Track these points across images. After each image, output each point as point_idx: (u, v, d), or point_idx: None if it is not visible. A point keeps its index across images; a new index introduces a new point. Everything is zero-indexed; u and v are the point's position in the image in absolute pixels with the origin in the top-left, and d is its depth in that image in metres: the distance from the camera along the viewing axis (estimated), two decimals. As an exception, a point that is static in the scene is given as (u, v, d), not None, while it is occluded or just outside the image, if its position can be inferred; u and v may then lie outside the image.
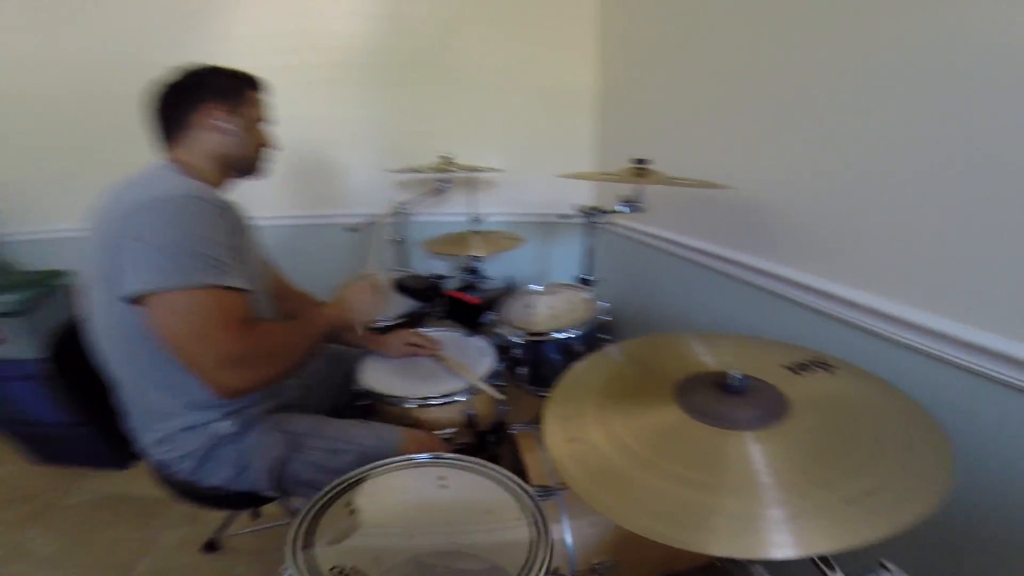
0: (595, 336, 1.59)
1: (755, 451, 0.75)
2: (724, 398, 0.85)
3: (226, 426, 1.17)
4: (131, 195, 1.02)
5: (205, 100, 1.19)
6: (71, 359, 1.25)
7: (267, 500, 1.29)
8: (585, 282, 1.82)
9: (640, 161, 1.45)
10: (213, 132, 1.20)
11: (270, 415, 1.25)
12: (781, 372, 0.93)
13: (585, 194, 2.56)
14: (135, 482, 2.24)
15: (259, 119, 1.29)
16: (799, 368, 0.95)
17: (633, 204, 1.52)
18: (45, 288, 2.26)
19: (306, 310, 1.29)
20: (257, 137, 1.29)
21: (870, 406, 0.85)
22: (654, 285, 2.22)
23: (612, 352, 1.11)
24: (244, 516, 1.91)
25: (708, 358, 1.03)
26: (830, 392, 0.89)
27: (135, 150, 2.49)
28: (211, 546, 1.83)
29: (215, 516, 1.91)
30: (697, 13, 1.71)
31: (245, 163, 1.29)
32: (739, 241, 1.60)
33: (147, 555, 1.85)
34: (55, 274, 2.37)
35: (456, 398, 1.35)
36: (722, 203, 1.63)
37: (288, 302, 1.52)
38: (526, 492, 0.96)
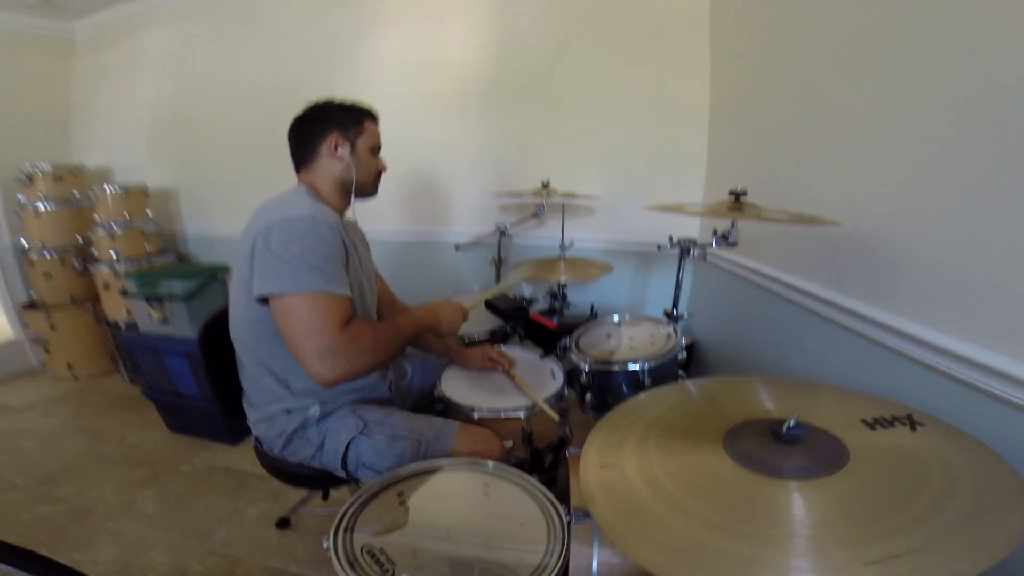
0: (669, 370, 1.55)
1: (795, 502, 0.70)
2: (774, 445, 0.80)
3: (314, 411, 1.35)
4: (268, 213, 1.23)
5: (329, 132, 1.39)
6: (214, 342, 1.48)
7: (338, 482, 1.45)
8: (670, 316, 1.77)
9: (737, 195, 1.39)
10: (336, 160, 1.40)
11: (352, 403, 1.41)
12: (855, 425, 0.85)
13: (689, 223, 2.50)
14: (240, 457, 2.54)
15: (374, 147, 1.47)
16: (878, 422, 0.86)
17: (726, 238, 1.47)
18: (207, 279, 2.66)
19: (401, 316, 1.42)
20: (372, 164, 1.47)
21: (944, 465, 0.74)
22: (750, 322, 2.09)
23: (680, 388, 1.09)
24: (317, 500, 2.08)
25: (773, 404, 0.96)
26: (900, 447, 0.80)
27: (289, 163, 2.86)
28: (283, 522, 2.04)
29: (295, 496, 2.13)
30: (810, 37, 1.63)
31: (362, 187, 1.46)
32: (843, 283, 1.47)
33: (228, 523, 2.09)
34: (218, 268, 2.79)
35: (516, 414, 1.40)
36: (829, 239, 1.51)
37: (391, 312, 1.73)
38: (556, 512, 0.98)
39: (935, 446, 0.80)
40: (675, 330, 1.67)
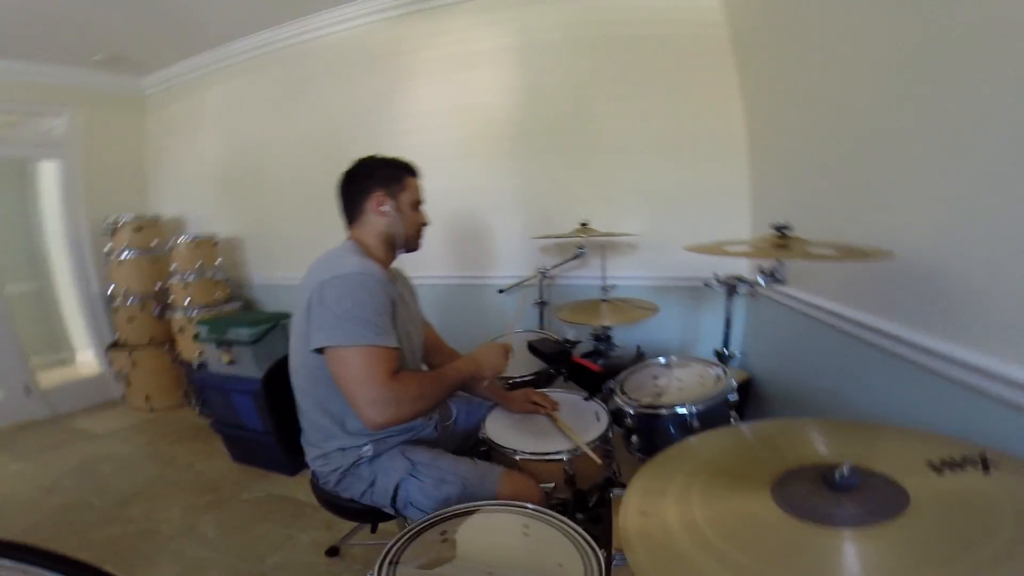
0: (720, 413, 1.50)
1: (846, 551, 0.67)
2: (826, 492, 0.76)
3: (367, 450, 1.43)
4: (321, 271, 1.33)
5: (373, 189, 1.48)
6: (276, 385, 1.60)
7: (387, 517, 1.49)
8: (721, 357, 1.72)
9: (781, 229, 1.34)
10: (380, 216, 1.49)
11: (402, 444, 1.47)
12: (919, 468, 0.81)
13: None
14: (296, 488, 2.65)
15: (416, 202, 1.54)
16: (945, 465, 0.80)
17: (773, 275, 1.44)
18: (271, 326, 2.88)
19: (445, 366, 1.48)
20: (415, 218, 1.54)
21: (1019, 510, 0.69)
22: (809, 356, 2.00)
23: (731, 432, 1.07)
24: (366, 532, 2.10)
25: (828, 449, 0.92)
26: (969, 491, 0.75)
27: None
28: (333, 551, 2.12)
29: (346, 526, 2.18)
30: (845, 58, 1.59)
31: (406, 241, 1.53)
32: (904, 314, 1.40)
33: (282, 549, 2.17)
34: (280, 316, 3.01)
35: (558, 456, 1.40)
36: (887, 269, 1.42)
37: (438, 356, 1.80)
38: (595, 553, 0.98)
39: (1010, 489, 0.74)
40: (725, 372, 1.62)
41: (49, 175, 4.29)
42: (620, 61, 2.66)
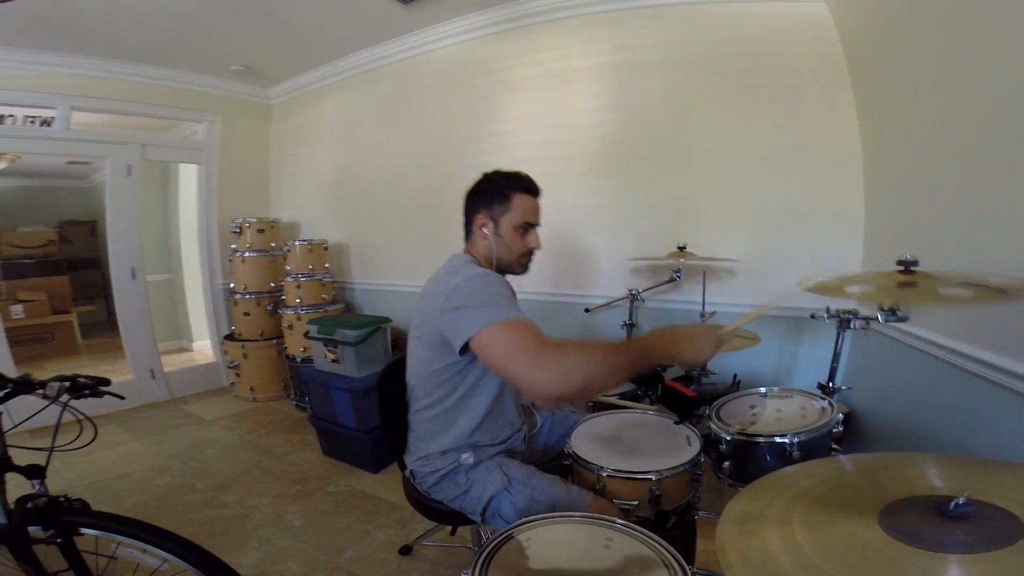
0: (822, 444, 1.43)
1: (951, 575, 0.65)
2: (937, 521, 0.74)
3: (467, 457, 1.45)
4: (447, 279, 1.36)
5: (479, 210, 1.50)
6: (388, 385, 1.67)
7: (468, 522, 1.52)
8: (825, 389, 1.63)
9: (907, 264, 1.22)
10: (482, 238, 1.51)
11: (499, 456, 1.50)
12: None
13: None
14: (377, 485, 2.76)
15: (521, 225, 1.48)
16: None
17: (894, 312, 1.33)
18: (373, 329, 3.07)
19: (629, 340, 1.43)
20: (517, 243, 1.49)
21: None
22: (922, 394, 1.86)
23: (833, 463, 1.03)
24: (440, 533, 2.16)
25: (943, 482, 0.87)
26: None
27: (439, 221, 3.22)
28: (406, 549, 2.19)
29: (421, 526, 2.26)
30: (967, 77, 1.49)
31: (505, 266, 1.52)
32: None
33: (358, 544, 2.26)
34: (381, 320, 3.19)
35: (646, 476, 1.38)
36: (1020, 306, 1.32)
37: None
38: (680, 565, 0.95)
39: None
40: (831, 404, 1.54)
41: (188, 177, 4.88)
42: (722, 79, 2.61)
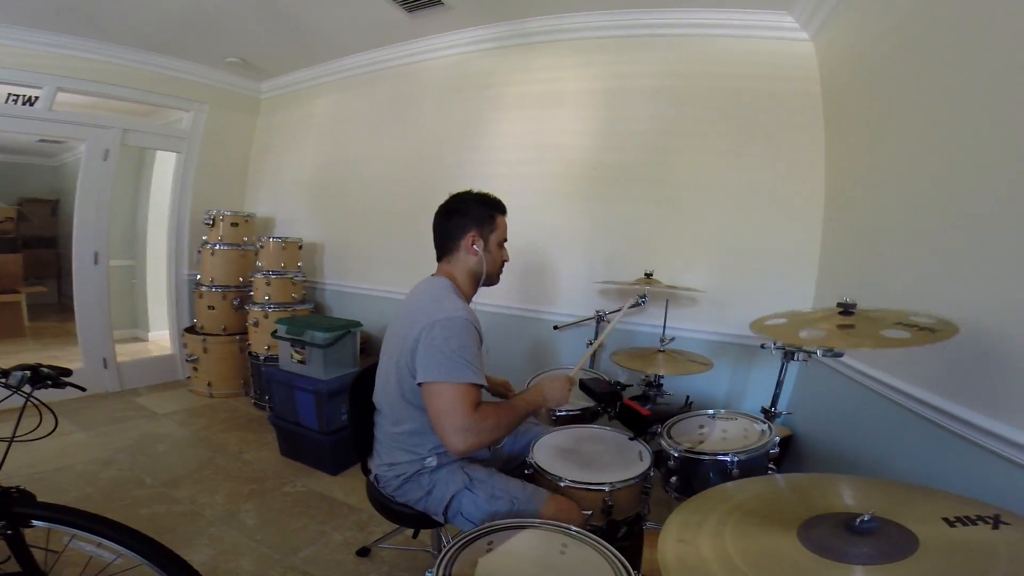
0: (759, 463, 1.56)
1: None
2: (846, 535, 0.84)
3: (430, 462, 1.54)
4: (430, 311, 1.46)
5: (469, 229, 1.60)
6: (359, 391, 1.74)
7: (431, 524, 1.60)
8: (767, 413, 1.78)
9: (845, 307, 1.39)
10: (471, 255, 1.61)
11: (461, 460, 1.58)
12: (934, 521, 0.88)
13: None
14: (335, 487, 2.77)
15: (502, 241, 1.67)
16: (959, 520, 0.88)
17: (832, 351, 1.49)
18: (343, 333, 3.09)
19: (514, 396, 1.61)
20: (499, 256, 1.67)
21: (1013, 558, 0.76)
22: (854, 421, 2.04)
23: (767, 480, 1.14)
24: (398, 537, 2.21)
25: (855, 500, 0.99)
26: (973, 541, 0.82)
27: (419, 229, 3.25)
28: (363, 551, 2.21)
29: (379, 529, 2.31)
30: (936, 135, 1.65)
31: (489, 278, 1.66)
32: (956, 390, 1.44)
33: (314, 544, 2.27)
34: (352, 323, 3.21)
35: (600, 487, 1.48)
36: (946, 345, 1.47)
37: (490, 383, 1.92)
38: (629, 574, 1.03)
39: (1011, 542, 0.80)
40: (770, 428, 1.68)
41: (164, 163, 4.80)
42: (707, 113, 2.75)
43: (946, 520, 0.88)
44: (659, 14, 2.82)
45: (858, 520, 0.84)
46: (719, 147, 2.74)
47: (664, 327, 2.55)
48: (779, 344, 1.70)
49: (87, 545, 1.26)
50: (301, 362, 3.05)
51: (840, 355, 1.48)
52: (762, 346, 1.74)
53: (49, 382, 1.35)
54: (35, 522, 1.25)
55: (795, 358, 1.69)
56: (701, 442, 1.70)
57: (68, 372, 1.40)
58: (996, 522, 0.86)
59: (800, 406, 2.44)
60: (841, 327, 1.35)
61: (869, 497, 1.01)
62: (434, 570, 1.06)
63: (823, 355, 1.50)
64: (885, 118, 1.99)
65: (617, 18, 2.92)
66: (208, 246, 3.97)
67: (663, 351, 2.38)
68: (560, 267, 3.17)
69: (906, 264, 1.78)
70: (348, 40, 3.67)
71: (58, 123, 3.63)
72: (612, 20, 2.94)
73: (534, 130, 3.22)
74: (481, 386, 1.42)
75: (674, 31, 2.83)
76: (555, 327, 2.89)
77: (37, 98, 3.48)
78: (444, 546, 1.15)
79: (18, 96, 3.44)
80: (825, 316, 1.43)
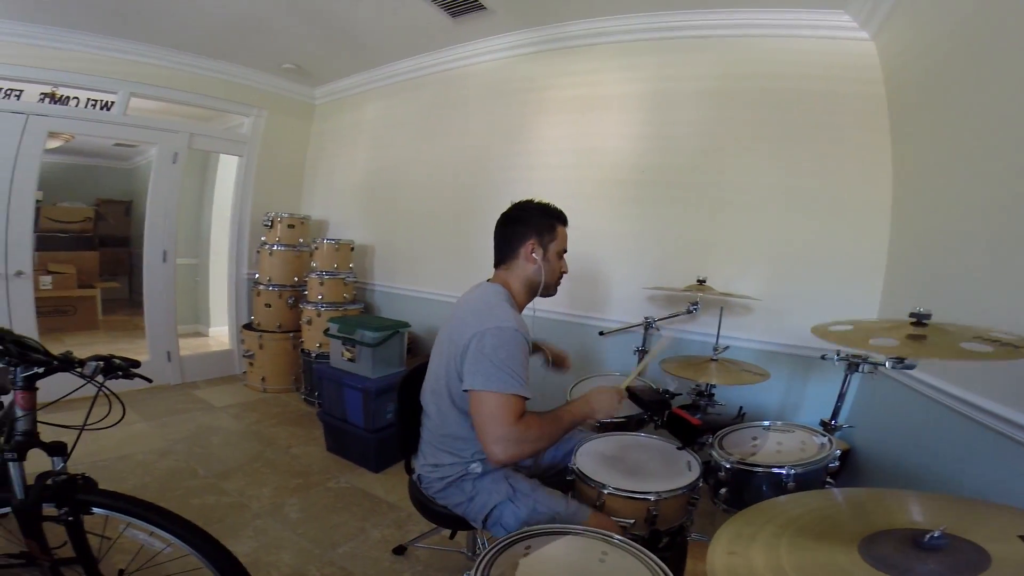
0: (816, 477, 1.48)
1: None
2: (911, 552, 0.79)
3: (475, 467, 1.54)
4: (483, 318, 1.46)
5: (529, 237, 1.60)
6: (408, 389, 1.77)
7: (468, 527, 1.59)
8: (827, 426, 1.69)
9: (919, 318, 1.29)
10: (530, 264, 1.61)
11: (506, 469, 1.57)
12: (1008, 539, 0.81)
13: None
14: (377, 484, 2.81)
15: (562, 251, 1.66)
16: None
17: (902, 360, 1.39)
18: (392, 333, 3.15)
19: (562, 408, 1.55)
20: (558, 267, 1.66)
21: None
22: (920, 436, 1.92)
23: (825, 494, 1.07)
24: (437, 536, 2.21)
25: (923, 516, 0.93)
26: None
27: (466, 232, 3.26)
28: (400, 549, 2.24)
29: (416, 528, 2.33)
30: (1007, 139, 1.54)
31: (546, 288, 1.65)
32: None
33: (353, 540, 2.30)
34: (400, 324, 3.27)
35: (645, 496, 1.43)
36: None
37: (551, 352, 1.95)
38: None
39: None
40: (830, 441, 1.59)
41: (226, 167, 5.04)
42: (758, 115, 2.66)
43: (1022, 538, 0.81)
44: (704, 15, 2.75)
45: (927, 536, 0.78)
46: (773, 150, 2.63)
47: (717, 335, 2.46)
48: (843, 355, 1.62)
49: (140, 534, 1.31)
50: (351, 360, 3.12)
51: (912, 367, 1.37)
52: (823, 357, 1.67)
53: (120, 373, 1.39)
54: (95, 509, 1.29)
55: (860, 370, 1.61)
56: (753, 454, 1.63)
57: (137, 364, 1.45)
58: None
59: (860, 419, 2.30)
60: (912, 338, 1.26)
61: (937, 513, 0.94)
62: (473, 571, 1.05)
63: (893, 367, 1.40)
64: (953, 118, 1.87)
65: (660, 20, 2.87)
66: (266, 246, 4.13)
67: (716, 360, 2.29)
68: (607, 273, 3.12)
69: (978, 274, 1.66)
70: (395, 46, 3.76)
71: (132, 127, 3.86)
72: (654, 22, 2.89)
73: (577, 134, 3.19)
74: (526, 398, 1.41)
75: (721, 32, 2.75)
76: (601, 333, 2.83)
77: (113, 103, 3.71)
78: (480, 549, 1.14)
79: (96, 101, 3.67)
80: (895, 327, 1.34)
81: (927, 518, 0.92)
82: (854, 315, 1.78)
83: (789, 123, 2.60)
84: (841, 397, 1.68)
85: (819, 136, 2.53)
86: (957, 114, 1.86)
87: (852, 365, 1.63)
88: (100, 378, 1.35)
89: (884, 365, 1.44)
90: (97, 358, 1.37)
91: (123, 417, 1.38)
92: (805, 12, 2.53)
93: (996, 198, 1.61)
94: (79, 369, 1.33)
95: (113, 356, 1.40)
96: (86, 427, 1.31)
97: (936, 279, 1.97)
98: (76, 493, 1.28)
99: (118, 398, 1.37)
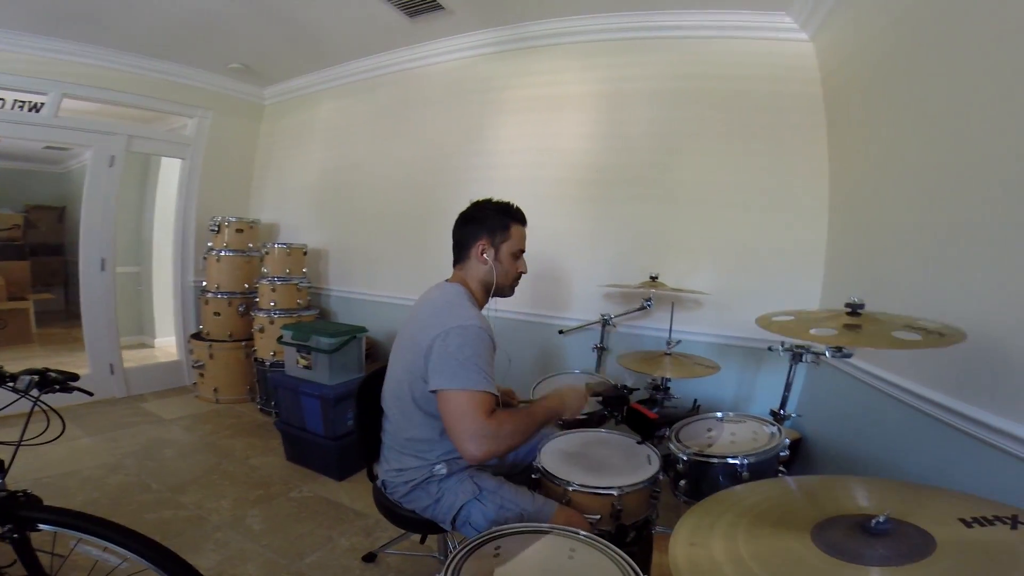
0: (769, 466, 1.55)
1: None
2: (860, 537, 0.83)
3: (440, 469, 1.53)
4: (444, 318, 1.45)
5: (480, 237, 1.59)
6: (367, 395, 1.73)
7: (438, 531, 1.59)
8: (776, 416, 1.77)
9: (854, 308, 1.39)
10: (481, 263, 1.60)
11: (470, 467, 1.57)
12: (950, 522, 0.87)
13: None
14: (342, 492, 2.76)
15: (517, 252, 1.64)
16: (976, 521, 0.86)
17: (840, 349, 1.48)
18: (348, 338, 3.10)
19: (531, 402, 1.57)
20: (512, 268, 1.64)
21: None
22: (864, 423, 2.03)
23: (779, 483, 1.12)
24: (405, 542, 2.20)
25: (869, 502, 0.98)
26: (992, 542, 0.80)
27: (424, 234, 3.20)
28: (370, 557, 2.21)
29: (385, 535, 2.30)
30: (939, 134, 1.64)
31: (499, 290, 1.64)
32: (968, 390, 1.43)
33: (320, 550, 2.26)
34: (356, 329, 3.22)
35: (609, 491, 1.47)
36: (956, 347, 1.47)
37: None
38: None
39: None
40: (779, 430, 1.67)
41: (168, 170, 4.82)
42: (708, 114, 2.75)
43: (963, 521, 0.87)
44: (657, 16, 2.83)
45: (873, 521, 0.83)
46: (721, 149, 2.74)
47: (670, 330, 2.53)
48: (787, 346, 1.71)
49: (93, 549, 1.26)
50: (307, 367, 3.06)
51: (849, 355, 1.47)
52: (769, 348, 1.75)
53: (57, 386, 1.35)
54: (41, 526, 1.25)
55: (803, 360, 1.69)
56: (710, 445, 1.69)
57: (75, 377, 1.40)
58: (1014, 522, 0.85)
59: (809, 408, 2.43)
60: (848, 327, 1.35)
61: (883, 498, 0.99)
62: (442, 574, 1.05)
63: (832, 356, 1.50)
64: (887, 116, 1.99)
65: (615, 21, 2.93)
66: (213, 252, 3.98)
67: (669, 354, 2.37)
68: (565, 271, 3.16)
69: (911, 264, 1.78)
70: (350, 45, 3.69)
71: (64, 129, 3.65)
72: (610, 23, 2.95)
73: (536, 134, 3.22)
74: (495, 395, 1.41)
75: (672, 33, 2.84)
76: (560, 331, 2.88)
77: (43, 104, 3.50)
78: (451, 552, 1.15)
79: (24, 103, 3.46)
80: (832, 316, 1.43)
81: (872, 503, 0.97)
82: (798, 306, 1.87)
83: (735, 122, 2.70)
84: (788, 387, 1.77)
85: (763, 135, 2.64)
86: (888, 113, 1.98)
87: (796, 356, 1.70)
88: (35, 392, 1.31)
89: (824, 355, 1.54)
90: (31, 371, 1.32)
91: (63, 432, 1.33)
92: (750, 14, 2.64)
93: (925, 193, 1.72)
94: (11, 384, 1.29)
95: (48, 369, 1.36)
96: (23, 443, 1.27)
97: (870, 271, 2.09)
98: (19, 510, 1.24)
99: (56, 412, 1.34)
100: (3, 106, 3.37)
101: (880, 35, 1.99)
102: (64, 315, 5.85)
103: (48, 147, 5.02)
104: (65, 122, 3.61)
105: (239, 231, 4.03)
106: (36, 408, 1.32)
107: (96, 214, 3.83)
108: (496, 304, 1.67)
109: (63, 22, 3.19)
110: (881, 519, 0.83)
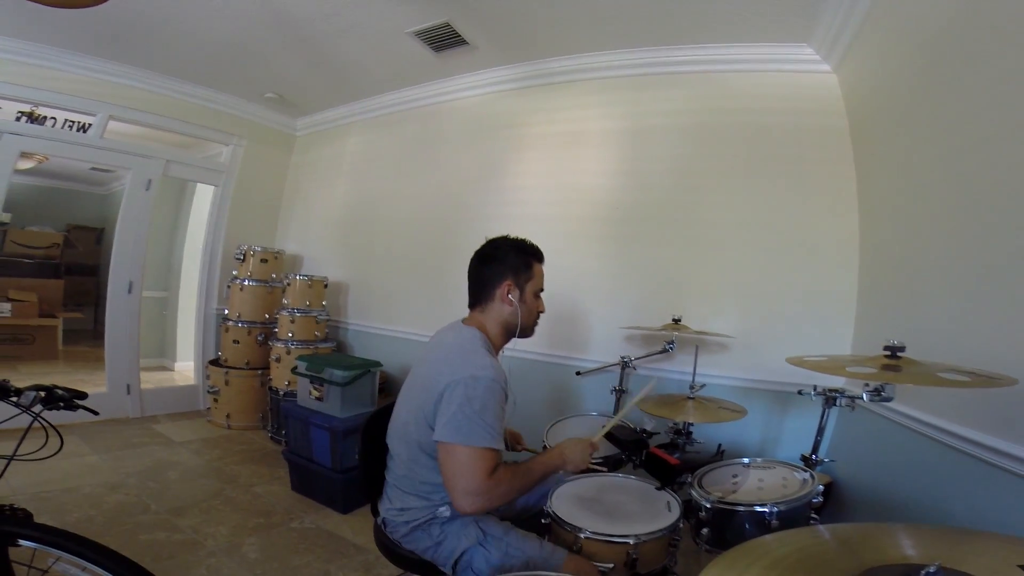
0: (801, 514, 1.45)
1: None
2: None
3: (443, 511, 1.46)
4: (457, 366, 1.40)
5: (505, 278, 1.53)
6: (372, 430, 1.67)
7: (439, 574, 1.48)
8: (808, 461, 1.67)
9: (893, 351, 1.32)
10: (507, 306, 1.53)
11: None
12: (1009, 570, 0.78)
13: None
14: (345, 526, 2.67)
15: (539, 290, 1.59)
16: None
17: (879, 392, 1.39)
18: (362, 372, 3.07)
19: (533, 459, 1.49)
20: (535, 307, 1.59)
21: None
22: (903, 466, 1.90)
23: (811, 532, 1.05)
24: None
25: (916, 551, 0.89)
26: None
27: (443, 271, 3.17)
28: None
29: (386, 572, 2.19)
30: (971, 172, 1.57)
31: (523, 330, 1.57)
32: (1017, 431, 1.33)
33: (317, 584, 2.14)
34: (371, 363, 3.19)
35: (624, 540, 1.38)
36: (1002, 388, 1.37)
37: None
38: None
39: None
40: (812, 476, 1.57)
41: (201, 197, 4.96)
42: (730, 150, 2.71)
43: (1022, 567, 0.78)
44: (677, 51, 2.84)
45: (923, 572, 0.74)
46: (744, 186, 2.69)
47: (694, 373, 2.44)
48: (819, 389, 1.61)
49: (72, 568, 1.23)
50: (319, 399, 3.02)
51: (889, 399, 1.36)
52: (800, 392, 1.66)
53: (61, 404, 1.35)
54: (21, 541, 1.23)
55: (837, 404, 1.60)
56: (734, 492, 1.59)
57: (83, 395, 1.41)
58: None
59: (840, 452, 2.29)
60: (887, 368, 1.27)
61: (930, 546, 0.91)
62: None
63: (871, 400, 1.40)
64: (915, 149, 1.92)
65: (636, 56, 2.95)
66: (237, 281, 4.03)
67: (693, 398, 2.26)
68: (584, 311, 3.10)
69: (951, 308, 1.68)
70: (378, 79, 3.80)
71: (107, 151, 3.79)
72: (631, 59, 2.97)
73: (557, 170, 3.23)
74: (498, 451, 1.36)
75: (693, 68, 2.85)
76: (577, 373, 2.80)
77: (90, 125, 3.65)
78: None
79: (73, 123, 3.62)
80: (869, 360, 1.35)
81: (919, 552, 0.88)
82: (829, 351, 1.78)
83: (758, 158, 2.66)
84: (820, 432, 1.67)
85: (788, 171, 2.60)
86: (918, 144, 1.91)
87: (829, 400, 1.62)
88: (38, 407, 1.31)
89: (862, 398, 1.44)
90: (37, 387, 1.33)
91: (60, 449, 1.33)
92: (771, 47, 2.63)
93: (967, 228, 1.63)
94: (14, 398, 1.29)
95: (56, 386, 1.36)
96: (15, 457, 1.25)
97: (906, 315, 1.99)
98: (1, 524, 1.22)
99: (55, 429, 1.33)
100: (54, 124, 3.53)
101: (906, 63, 1.95)
102: (92, 335, 5.97)
103: (94, 168, 5.23)
104: (109, 144, 3.76)
105: (263, 261, 4.09)
106: (36, 424, 1.31)
107: (129, 236, 3.94)
108: (513, 343, 1.61)
109: (115, 43, 3.35)
110: (932, 569, 0.74)
